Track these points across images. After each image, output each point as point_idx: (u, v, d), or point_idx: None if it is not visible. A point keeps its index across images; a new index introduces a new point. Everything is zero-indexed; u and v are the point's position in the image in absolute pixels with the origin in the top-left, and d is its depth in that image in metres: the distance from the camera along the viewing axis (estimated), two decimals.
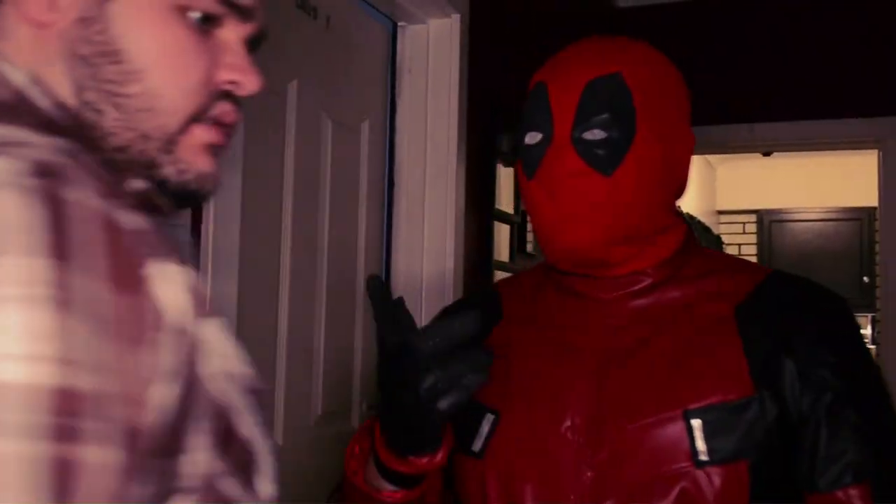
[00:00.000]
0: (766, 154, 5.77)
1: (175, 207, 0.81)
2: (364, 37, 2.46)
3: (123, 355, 0.59)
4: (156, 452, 0.62)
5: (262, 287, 1.99)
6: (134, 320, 0.60)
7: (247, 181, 1.82)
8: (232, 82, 0.79)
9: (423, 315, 2.55)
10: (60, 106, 0.73)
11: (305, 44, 2.16)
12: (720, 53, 3.98)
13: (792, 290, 1.21)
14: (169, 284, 0.63)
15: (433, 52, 2.61)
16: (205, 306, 0.67)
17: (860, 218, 7.09)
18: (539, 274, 1.34)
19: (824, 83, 3.92)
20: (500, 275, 2.92)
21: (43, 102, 0.73)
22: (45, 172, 0.61)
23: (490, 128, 2.88)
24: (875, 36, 3.93)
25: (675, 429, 1.14)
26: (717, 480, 1.12)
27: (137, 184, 0.72)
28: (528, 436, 1.21)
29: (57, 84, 0.74)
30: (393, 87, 2.62)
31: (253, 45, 0.84)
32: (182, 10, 0.75)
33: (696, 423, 1.13)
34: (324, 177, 2.25)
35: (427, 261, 2.57)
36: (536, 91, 1.23)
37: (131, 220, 0.63)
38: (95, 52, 0.73)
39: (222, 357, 0.68)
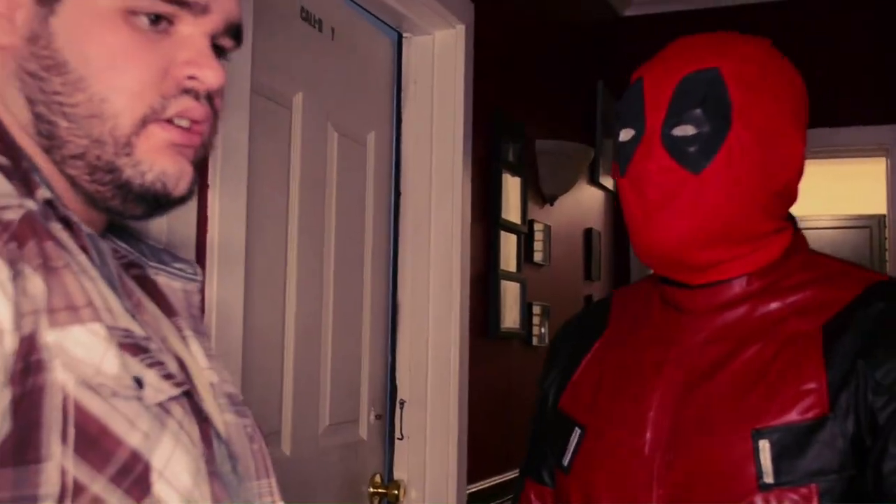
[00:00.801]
0: None
1: (145, 212, 0.81)
2: (369, 48, 2.47)
3: None
4: (5, 461, 0.62)
5: (269, 297, 2.00)
6: None
7: (252, 193, 1.83)
8: (191, 77, 0.78)
9: (429, 326, 2.56)
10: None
11: (311, 56, 2.17)
12: None
13: (886, 303, 1.13)
14: (1, 298, 0.63)
15: (438, 63, 2.62)
16: (76, 313, 0.67)
17: (869, 225, 7.07)
18: (651, 283, 1.31)
19: (830, 92, 3.92)
20: (505, 284, 2.93)
21: None
22: None
23: (496, 137, 2.88)
24: (880, 44, 3.93)
25: (741, 449, 1.09)
26: None
27: (42, 193, 0.72)
28: (608, 451, 1.20)
29: (13, 102, 0.77)
30: (398, 97, 2.62)
31: (231, 36, 0.84)
32: (127, 15, 0.76)
33: (764, 443, 1.08)
34: (330, 188, 2.25)
35: (433, 271, 2.58)
36: (634, 87, 1.19)
37: None
38: (42, 67, 0.76)
39: (89, 364, 0.67)
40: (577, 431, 1.24)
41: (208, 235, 1.65)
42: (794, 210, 1.28)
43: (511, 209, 3.00)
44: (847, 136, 3.92)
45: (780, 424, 1.08)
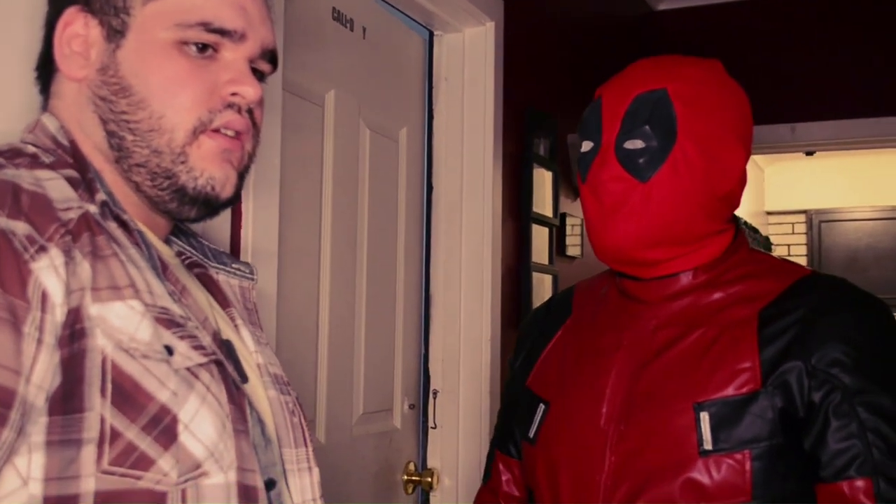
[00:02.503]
0: (809, 154, 5.74)
1: (198, 214, 0.96)
2: (400, 46, 2.52)
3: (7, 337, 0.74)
4: (55, 410, 0.77)
5: (303, 291, 2.05)
6: (15, 311, 0.75)
7: (286, 189, 1.89)
8: (233, 94, 0.94)
9: (461, 318, 2.60)
10: (72, 143, 0.92)
11: (342, 54, 2.22)
12: (759, 54, 3.98)
13: (816, 293, 1.28)
14: (54, 277, 0.77)
15: (469, 60, 2.66)
16: (118, 292, 0.81)
17: None
18: (609, 276, 1.46)
19: (863, 82, 3.90)
20: (538, 277, 2.97)
21: (64, 141, 0.92)
22: None
23: (527, 132, 2.92)
24: None
25: (684, 420, 1.24)
26: (720, 468, 1.21)
27: (100, 197, 0.87)
28: (568, 424, 1.34)
29: (89, 122, 0.92)
30: (430, 94, 2.67)
31: (267, 60, 0.99)
32: (179, 45, 0.92)
33: (704, 414, 1.23)
34: (362, 183, 2.31)
35: (465, 264, 2.62)
36: (594, 104, 1.35)
37: (20, 226, 0.77)
38: (111, 91, 0.92)
39: (125, 332, 0.80)
40: (542, 407, 1.38)
41: (242, 231, 1.71)
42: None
43: (543, 203, 3.04)
44: (879, 126, 3.88)
45: (718, 398, 1.23)
